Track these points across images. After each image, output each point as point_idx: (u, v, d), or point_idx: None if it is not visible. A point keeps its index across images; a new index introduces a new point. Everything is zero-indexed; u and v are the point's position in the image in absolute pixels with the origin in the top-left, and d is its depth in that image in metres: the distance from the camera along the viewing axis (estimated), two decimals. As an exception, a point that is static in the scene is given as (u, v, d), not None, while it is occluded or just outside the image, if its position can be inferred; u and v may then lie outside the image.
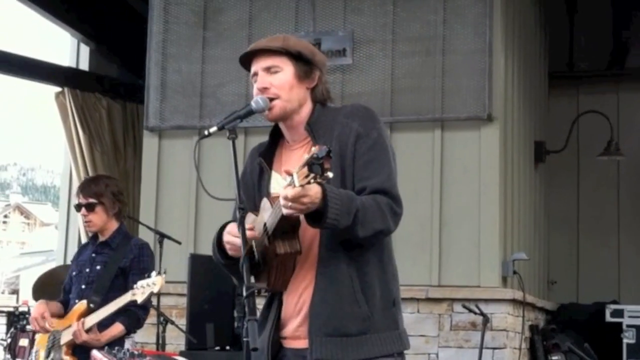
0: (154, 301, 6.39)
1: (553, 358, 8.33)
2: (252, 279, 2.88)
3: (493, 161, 7.45)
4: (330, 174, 2.60)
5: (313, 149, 2.60)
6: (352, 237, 2.92)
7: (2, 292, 46.11)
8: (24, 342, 6.27)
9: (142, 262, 5.28)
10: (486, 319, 6.75)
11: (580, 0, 10.46)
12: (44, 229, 68.37)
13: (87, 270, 5.31)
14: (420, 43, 7.63)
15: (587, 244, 10.35)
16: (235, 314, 4.92)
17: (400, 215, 3.03)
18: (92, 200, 5.27)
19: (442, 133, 7.57)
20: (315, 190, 2.75)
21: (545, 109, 10.06)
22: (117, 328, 5.15)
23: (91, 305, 5.09)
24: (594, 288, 10.05)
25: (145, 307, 5.25)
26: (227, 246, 3.04)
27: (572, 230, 10.40)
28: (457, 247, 7.43)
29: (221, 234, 3.11)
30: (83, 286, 5.28)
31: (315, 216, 2.83)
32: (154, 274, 4.82)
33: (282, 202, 2.75)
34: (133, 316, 5.21)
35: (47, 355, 5.27)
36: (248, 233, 2.93)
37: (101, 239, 5.40)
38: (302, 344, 3.03)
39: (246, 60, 3.18)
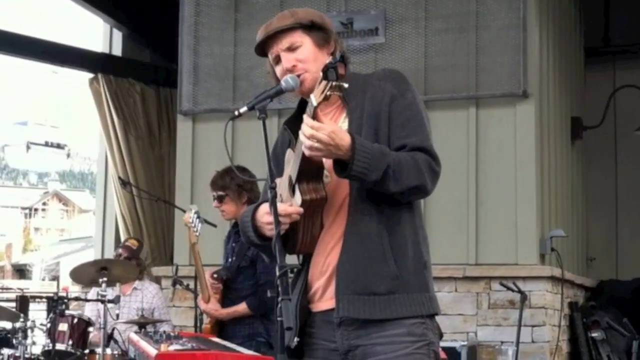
0: (191, 284, 6.43)
1: (593, 335, 8.27)
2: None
3: (529, 138, 7.39)
4: (345, 85, 2.67)
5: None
6: (385, 192, 2.89)
7: (43, 279, 46.64)
8: (63, 326, 6.32)
9: None
10: (524, 296, 6.72)
11: (616, -27, 10.34)
12: (82, 215, 69.05)
13: (229, 260, 5.69)
14: (453, 20, 7.57)
15: (626, 220, 10.25)
16: (269, 294, 5.03)
17: (438, 174, 2.98)
18: (219, 192, 5.70)
19: (477, 111, 7.53)
20: (345, 139, 2.79)
21: (581, 85, 9.95)
22: (241, 306, 5.50)
23: (214, 275, 5.54)
24: (633, 264, 9.97)
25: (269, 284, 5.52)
26: (268, 227, 3.00)
27: (611, 205, 10.30)
28: (494, 225, 7.40)
29: (254, 216, 3.08)
30: None
31: (344, 166, 2.84)
32: None
33: (303, 130, 2.79)
34: (260, 297, 5.50)
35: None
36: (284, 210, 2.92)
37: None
38: (329, 304, 2.99)
39: (261, 47, 3.14)
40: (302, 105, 3.17)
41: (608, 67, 10.37)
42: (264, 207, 3.02)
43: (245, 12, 8.16)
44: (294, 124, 3.13)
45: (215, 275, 5.55)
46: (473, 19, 7.52)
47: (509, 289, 6.80)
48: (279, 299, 2.68)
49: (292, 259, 3.03)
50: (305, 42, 3.08)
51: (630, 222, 10.22)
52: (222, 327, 5.59)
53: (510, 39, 7.39)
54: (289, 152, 3.06)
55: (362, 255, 2.92)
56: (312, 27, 3.09)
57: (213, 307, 5.55)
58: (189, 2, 8.31)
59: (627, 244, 10.21)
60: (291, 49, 3.08)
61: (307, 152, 2.81)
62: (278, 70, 3.10)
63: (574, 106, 9.37)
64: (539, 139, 7.51)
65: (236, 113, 2.95)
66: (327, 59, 3.05)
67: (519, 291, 6.72)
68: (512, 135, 7.42)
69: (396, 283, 2.92)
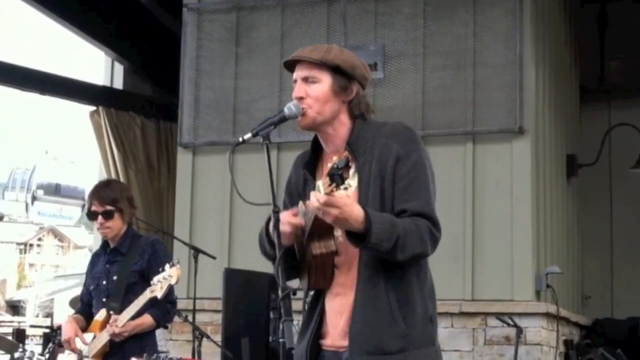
0: (190, 317, 6.44)
1: (588, 372, 8.28)
2: (296, 280, 3.03)
3: (525, 174, 7.45)
4: (351, 182, 2.71)
5: (334, 158, 2.72)
6: (391, 259, 2.98)
7: (37, 315, 46.41)
8: (62, 357, 6.34)
9: (157, 259, 5.17)
10: (519, 330, 6.74)
11: (611, 13, 10.44)
12: (78, 251, 68.79)
13: (104, 282, 5.25)
14: (451, 56, 7.66)
15: (621, 258, 10.27)
16: (272, 316, 4.96)
17: (438, 240, 3.09)
18: (109, 207, 5.14)
19: (473, 146, 7.59)
20: (355, 212, 2.86)
21: (576, 122, 10.03)
22: (146, 318, 5.11)
23: (111, 312, 5.10)
24: (628, 303, 9.97)
25: (173, 302, 5.28)
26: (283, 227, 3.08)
27: (606, 243, 10.33)
28: (490, 260, 7.43)
29: (267, 229, 3.17)
30: (104, 299, 5.24)
31: (359, 237, 2.91)
32: (167, 266, 4.84)
33: (313, 203, 2.84)
34: (162, 308, 5.18)
35: None
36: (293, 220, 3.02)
37: (112, 245, 5.31)
38: (341, 349, 3.10)
39: (291, 64, 3.22)
40: (316, 143, 3.23)
41: (603, 105, 10.44)
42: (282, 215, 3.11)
43: (246, 46, 8.25)
44: (311, 166, 3.23)
45: (112, 313, 5.06)
46: (470, 55, 7.60)
47: (504, 322, 6.83)
48: (282, 320, 2.74)
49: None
50: (323, 81, 3.14)
51: (625, 260, 10.24)
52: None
53: (507, 76, 7.48)
54: (301, 204, 3.10)
55: (373, 316, 3.03)
56: (337, 70, 3.14)
57: (120, 327, 5.00)
58: (190, 36, 8.40)
59: (622, 282, 10.23)
60: (308, 80, 3.14)
61: (319, 215, 2.88)
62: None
63: (570, 143, 9.45)
64: (534, 175, 7.57)
65: (240, 139, 3.03)
66: (340, 106, 3.11)
67: (515, 325, 6.74)
68: (508, 171, 7.47)
69: (406, 341, 3.03)
